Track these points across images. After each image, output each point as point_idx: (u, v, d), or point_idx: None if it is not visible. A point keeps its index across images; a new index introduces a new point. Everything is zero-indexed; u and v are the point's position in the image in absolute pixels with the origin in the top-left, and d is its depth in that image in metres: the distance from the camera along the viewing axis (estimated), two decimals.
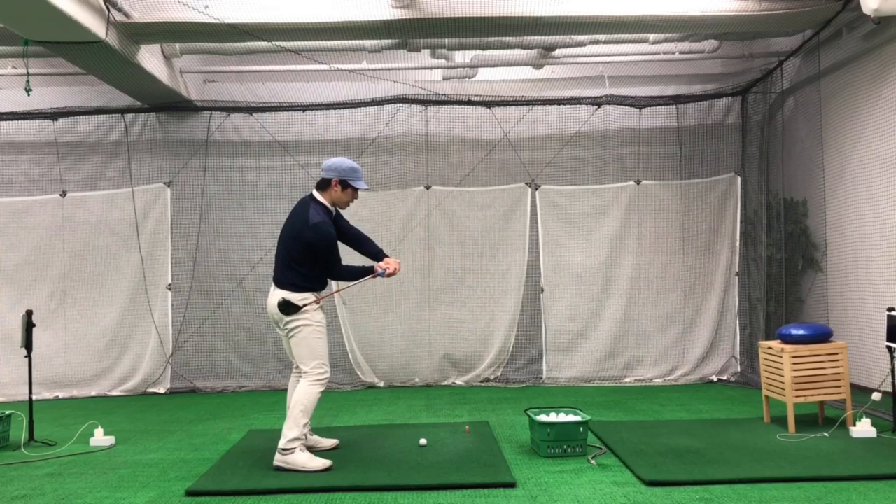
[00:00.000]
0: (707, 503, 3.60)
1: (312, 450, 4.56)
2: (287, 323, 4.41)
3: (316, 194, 4.55)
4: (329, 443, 4.83)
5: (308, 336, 4.41)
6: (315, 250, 4.39)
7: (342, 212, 4.78)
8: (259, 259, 7.81)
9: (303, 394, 4.37)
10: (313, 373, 4.40)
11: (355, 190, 4.57)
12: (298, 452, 4.31)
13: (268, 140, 8.05)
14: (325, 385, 4.46)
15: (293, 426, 4.31)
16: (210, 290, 7.93)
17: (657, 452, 4.52)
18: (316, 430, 5.08)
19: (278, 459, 4.32)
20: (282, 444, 4.31)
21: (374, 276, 4.59)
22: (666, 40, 7.39)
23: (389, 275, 4.58)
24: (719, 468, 4.15)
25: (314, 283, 4.47)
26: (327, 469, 4.28)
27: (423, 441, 4.89)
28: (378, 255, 4.75)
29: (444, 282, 7.94)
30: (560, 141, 8.04)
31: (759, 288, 7.64)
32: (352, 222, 4.86)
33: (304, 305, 4.39)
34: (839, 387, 5.08)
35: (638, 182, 8.01)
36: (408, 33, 6.69)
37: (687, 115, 8.08)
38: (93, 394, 7.75)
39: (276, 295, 4.42)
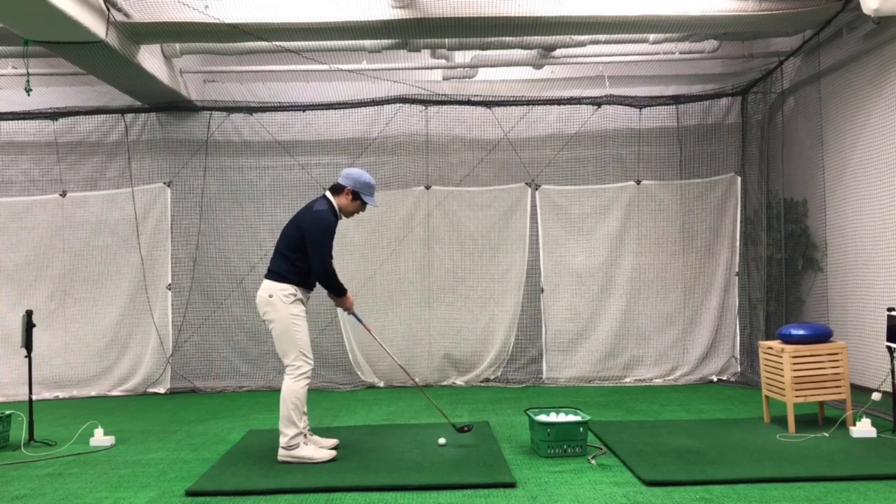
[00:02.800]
0: (707, 503, 3.60)
1: None
2: (265, 315, 4.50)
3: (328, 195, 4.68)
4: (329, 443, 4.82)
5: (286, 328, 4.44)
6: (310, 234, 4.45)
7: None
8: (259, 259, 7.81)
9: (288, 391, 4.40)
10: (294, 366, 4.43)
11: (364, 204, 4.70)
12: (303, 446, 4.38)
13: (268, 140, 8.05)
14: (308, 378, 4.46)
15: (288, 424, 4.36)
16: (210, 290, 7.93)
17: (657, 452, 4.52)
18: (316, 431, 5.09)
19: (283, 455, 4.38)
20: (283, 442, 4.37)
21: (348, 312, 4.82)
22: (666, 40, 7.39)
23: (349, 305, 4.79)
24: (719, 468, 4.14)
25: (298, 277, 4.49)
26: (332, 460, 4.36)
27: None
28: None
29: (444, 282, 7.94)
30: (560, 141, 8.04)
31: (759, 288, 7.64)
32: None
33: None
34: (839, 387, 5.08)
35: (638, 182, 8.01)
36: (408, 33, 6.68)
37: (687, 115, 8.08)
38: (93, 394, 7.75)
39: (263, 287, 4.53)
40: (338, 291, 4.66)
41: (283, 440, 4.37)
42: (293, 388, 4.39)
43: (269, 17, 6.34)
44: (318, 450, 4.43)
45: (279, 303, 4.44)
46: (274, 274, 4.52)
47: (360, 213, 4.80)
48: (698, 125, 8.09)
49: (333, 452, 4.41)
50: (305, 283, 4.56)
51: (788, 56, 7.28)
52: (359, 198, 4.64)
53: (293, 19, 6.34)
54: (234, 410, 6.60)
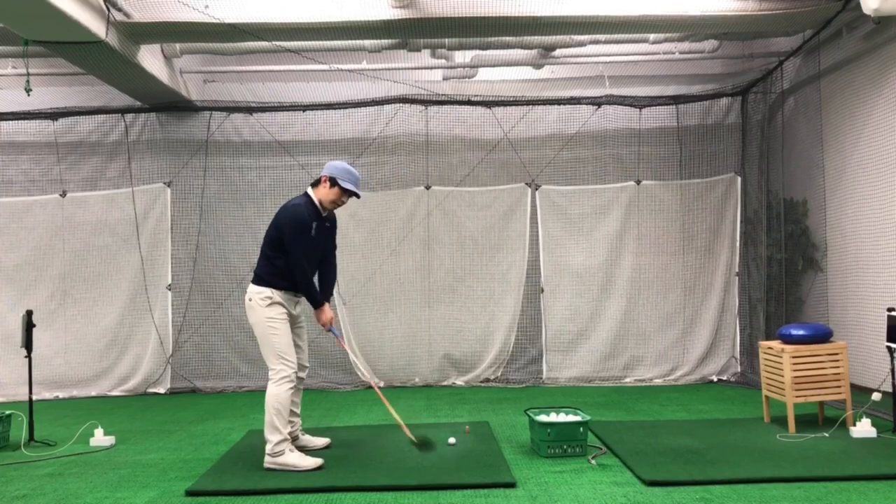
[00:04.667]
0: (707, 503, 3.60)
1: (304, 449, 4.55)
2: (249, 319, 4.46)
3: (309, 190, 4.58)
4: (320, 442, 4.82)
5: (264, 332, 4.39)
6: (283, 230, 4.37)
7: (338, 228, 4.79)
8: None
9: (271, 396, 4.32)
10: (274, 370, 4.36)
11: (343, 191, 4.52)
12: (288, 453, 4.29)
13: (268, 140, 8.05)
14: (290, 382, 4.35)
15: (272, 430, 4.28)
16: (210, 290, 7.92)
17: (657, 452, 4.52)
18: (316, 430, 5.09)
19: (269, 462, 4.31)
20: (268, 449, 4.30)
21: (325, 328, 4.58)
22: (666, 40, 7.39)
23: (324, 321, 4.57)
24: (719, 468, 4.14)
25: (276, 278, 4.41)
26: (319, 468, 4.27)
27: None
28: (324, 293, 4.67)
29: (444, 282, 7.94)
30: (560, 141, 8.04)
31: (759, 288, 7.64)
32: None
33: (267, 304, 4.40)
34: (839, 387, 5.08)
35: (638, 182, 8.01)
36: (408, 33, 6.68)
37: (687, 115, 8.08)
38: (93, 394, 7.75)
39: (247, 291, 4.49)
40: (312, 300, 4.50)
41: (267, 447, 4.31)
42: (274, 392, 4.31)
43: (269, 17, 6.34)
44: (304, 457, 4.32)
45: (256, 307, 4.39)
46: (255, 276, 4.48)
47: (343, 203, 4.59)
48: (698, 125, 8.09)
49: (320, 461, 4.31)
50: (285, 285, 4.43)
51: (788, 56, 7.28)
52: (336, 184, 4.48)
53: (293, 19, 6.34)
54: (234, 410, 6.60)
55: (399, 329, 7.87)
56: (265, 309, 4.39)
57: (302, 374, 4.66)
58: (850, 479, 3.92)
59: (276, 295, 4.41)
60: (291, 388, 4.37)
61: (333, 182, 4.50)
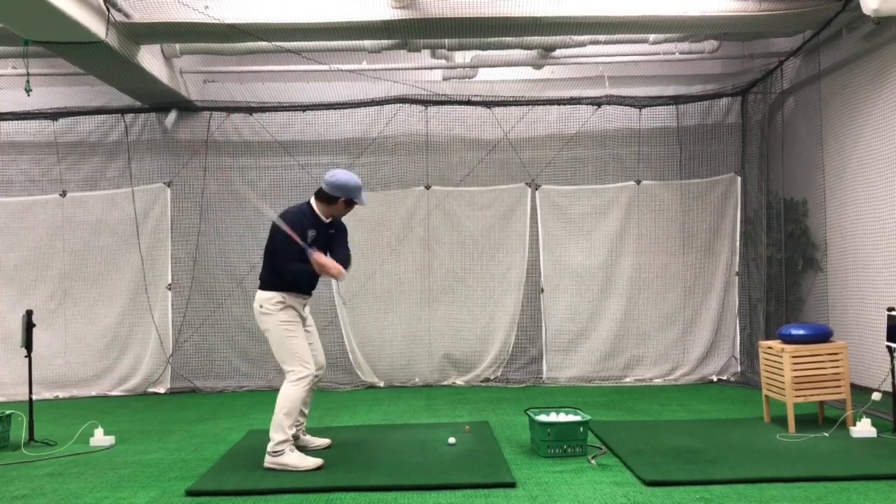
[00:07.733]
0: (707, 503, 3.60)
1: (304, 450, 4.55)
2: (261, 325, 4.49)
3: (312, 202, 4.57)
4: (321, 442, 4.82)
5: (280, 337, 4.42)
6: (273, 237, 4.46)
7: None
8: (259, 259, 7.72)
9: (284, 396, 4.34)
10: (293, 371, 4.38)
11: (354, 203, 4.58)
12: (288, 453, 4.30)
13: (268, 140, 8.05)
14: (307, 384, 4.39)
15: (278, 429, 4.30)
16: (210, 290, 7.93)
17: (657, 452, 4.52)
18: (316, 430, 5.08)
19: (269, 461, 4.32)
20: (270, 447, 4.32)
21: (337, 278, 4.44)
22: (666, 40, 7.39)
23: (328, 272, 4.37)
24: (719, 468, 4.14)
25: (280, 281, 4.44)
26: (319, 468, 4.27)
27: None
28: (342, 260, 4.57)
29: (444, 282, 7.94)
30: (560, 141, 8.04)
31: (759, 288, 7.64)
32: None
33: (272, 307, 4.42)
34: (839, 387, 5.08)
35: (638, 182, 8.01)
36: (408, 33, 6.69)
37: (687, 115, 8.08)
38: (93, 394, 7.75)
39: (255, 298, 4.53)
40: (313, 271, 4.39)
41: (269, 445, 4.32)
42: (289, 392, 4.34)
43: (269, 17, 6.34)
44: (304, 458, 4.33)
45: (270, 312, 4.43)
46: (261, 282, 4.53)
47: (350, 210, 4.63)
48: (698, 125, 8.09)
49: (320, 461, 4.31)
50: (291, 288, 4.47)
51: (788, 56, 7.28)
52: (352, 203, 4.54)
53: (293, 19, 6.34)
54: (234, 410, 6.60)
55: (399, 329, 7.87)
56: (279, 313, 4.42)
57: (319, 373, 4.69)
58: (850, 479, 3.92)
59: (288, 298, 4.46)
60: (308, 388, 4.41)
61: (350, 202, 4.52)
